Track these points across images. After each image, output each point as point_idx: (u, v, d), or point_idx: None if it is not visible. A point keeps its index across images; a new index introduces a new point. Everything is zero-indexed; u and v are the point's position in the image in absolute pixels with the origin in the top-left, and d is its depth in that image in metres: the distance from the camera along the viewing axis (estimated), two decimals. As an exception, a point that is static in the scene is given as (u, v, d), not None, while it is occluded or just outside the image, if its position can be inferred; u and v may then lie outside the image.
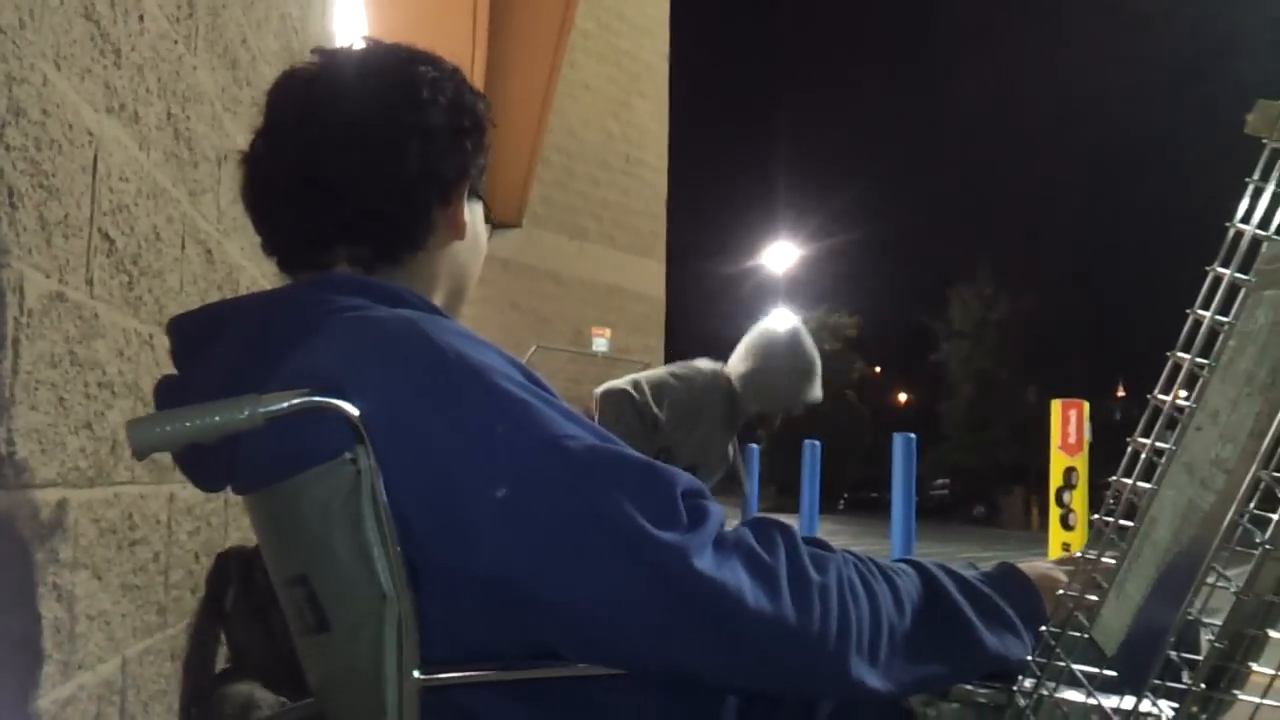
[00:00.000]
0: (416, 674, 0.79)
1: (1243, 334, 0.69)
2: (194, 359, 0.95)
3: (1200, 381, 0.72)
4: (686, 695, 0.89)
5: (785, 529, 0.86)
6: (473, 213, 1.08)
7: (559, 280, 10.51)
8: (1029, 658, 0.85)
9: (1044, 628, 0.84)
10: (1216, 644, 0.67)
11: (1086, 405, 6.49)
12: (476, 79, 5.72)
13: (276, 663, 1.63)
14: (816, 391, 3.08)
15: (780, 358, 3.05)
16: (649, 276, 11.70)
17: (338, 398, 0.79)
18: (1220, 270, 0.73)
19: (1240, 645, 0.91)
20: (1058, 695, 0.81)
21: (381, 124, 0.98)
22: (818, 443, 10.44)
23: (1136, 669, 0.71)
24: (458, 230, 1.05)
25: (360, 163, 0.97)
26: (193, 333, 0.96)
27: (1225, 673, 0.92)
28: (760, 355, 3.06)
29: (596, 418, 2.99)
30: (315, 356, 0.84)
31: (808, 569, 0.82)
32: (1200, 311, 0.72)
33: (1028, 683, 0.84)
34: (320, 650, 0.87)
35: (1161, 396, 0.75)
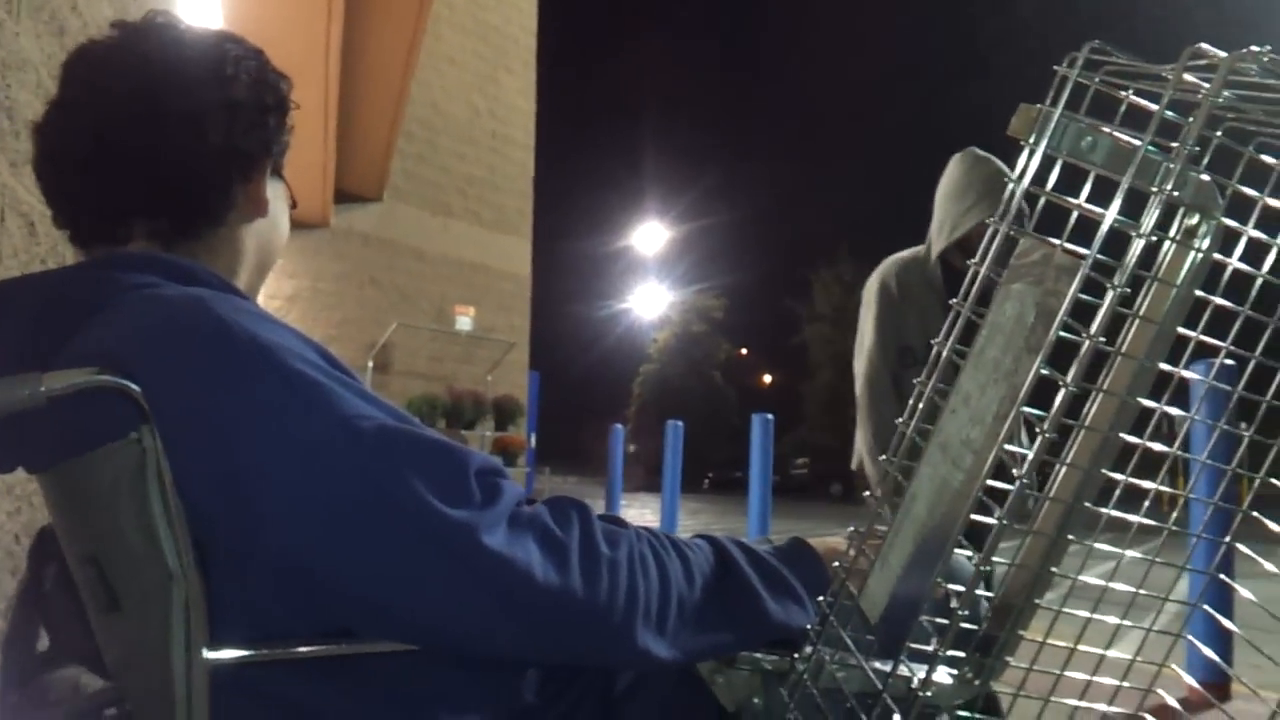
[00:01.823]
0: (206, 653, 0.79)
1: (993, 325, 0.75)
2: None
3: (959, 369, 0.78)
4: (485, 669, 0.91)
5: (581, 506, 0.89)
6: (275, 192, 1.08)
7: (421, 257, 10.33)
8: (809, 626, 0.91)
9: (821, 598, 0.89)
10: (960, 611, 0.73)
11: (931, 387, 6.78)
12: (333, 48, 5.59)
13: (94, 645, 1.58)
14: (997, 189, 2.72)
15: (944, 182, 2.88)
16: (515, 255, 11.61)
17: (123, 377, 0.78)
18: (979, 266, 0.79)
19: (1009, 615, 0.99)
20: (835, 660, 0.87)
21: (182, 96, 0.97)
22: (680, 423, 10.62)
23: (894, 635, 0.76)
24: (259, 207, 1.05)
25: (159, 134, 0.96)
26: None
27: (996, 641, 0.99)
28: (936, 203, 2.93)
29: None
30: (100, 335, 0.83)
31: (599, 544, 0.86)
32: (958, 303, 0.77)
33: (808, 649, 0.89)
34: (113, 630, 0.86)
35: (928, 382, 0.81)
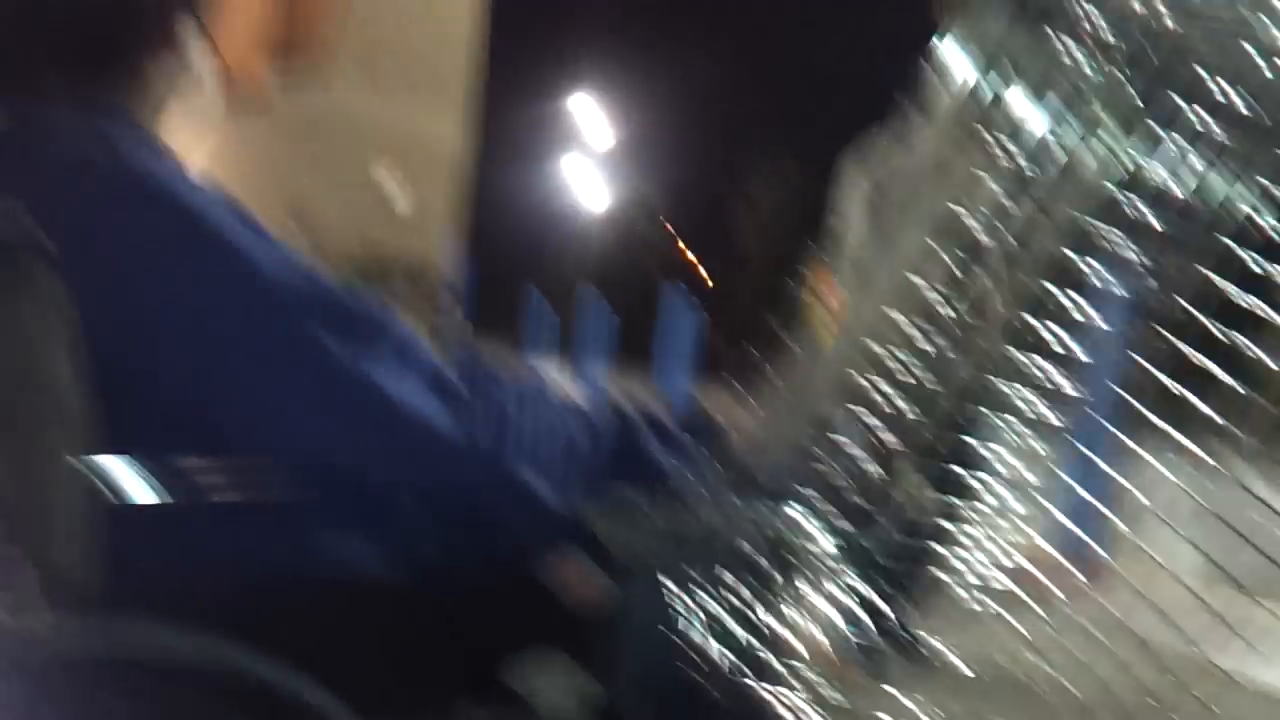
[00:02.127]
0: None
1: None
2: None
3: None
4: (382, 528, 0.95)
5: (477, 352, 0.92)
6: (198, 44, 1.05)
7: (354, 126, 10.01)
8: (702, 479, 0.95)
9: (713, 450, 0.94)
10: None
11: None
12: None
13: None
14: None
15: None
16: (444, 125, 11.33)
17: (29, 220, 0.77)
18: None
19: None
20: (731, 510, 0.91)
21: None
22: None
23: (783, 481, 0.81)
24: (182, 59, 1.02)
25: None
26: None
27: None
28: None
29: None
30: (5, 179, 0.82)
31: (491, 391, 0.89)
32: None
33: (703, 502, 0.93)
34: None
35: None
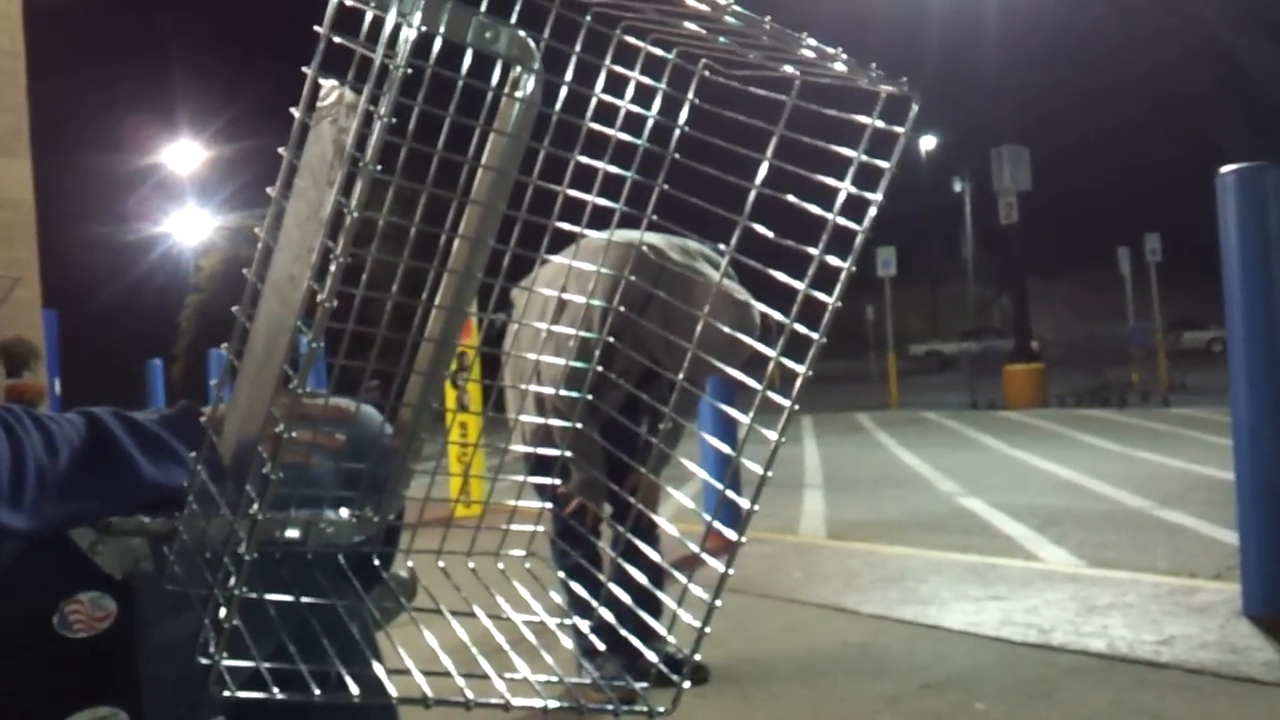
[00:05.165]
0: None
1: (305, 165, 0.78)
2: None
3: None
4: None
5: None
6: None
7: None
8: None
9: (192, 454, 0.90)
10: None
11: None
12: None
13: None
14: None
15: None
16: (10, 178, 10.22)
17: None
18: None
19: (399, 455, 1.05)
20: (218, 514, 0.87)
21: None
22: (224, 352, 10.16)
23: (241, 473, 0.79)
24: None
25: None
26: None
27: (390, 480, 1.05)
28: None
29: None
30: None
31: None
32: (281, 151, 0.80)
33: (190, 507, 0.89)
34: None
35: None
